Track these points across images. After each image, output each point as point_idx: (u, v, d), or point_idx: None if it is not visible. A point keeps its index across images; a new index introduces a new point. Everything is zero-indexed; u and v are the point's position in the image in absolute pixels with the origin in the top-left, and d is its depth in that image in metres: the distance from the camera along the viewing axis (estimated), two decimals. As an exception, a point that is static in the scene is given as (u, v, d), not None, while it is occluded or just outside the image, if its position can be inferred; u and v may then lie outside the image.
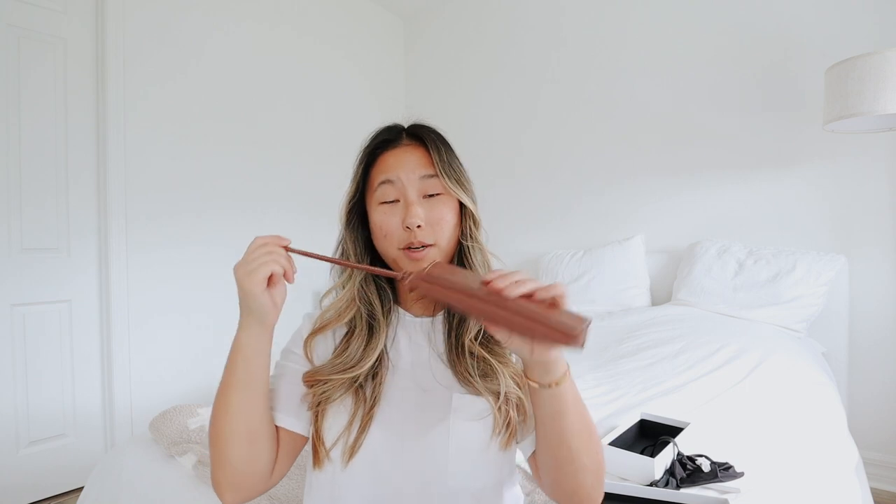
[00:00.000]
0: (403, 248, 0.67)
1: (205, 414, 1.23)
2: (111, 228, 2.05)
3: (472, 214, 0.70)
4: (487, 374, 0.66)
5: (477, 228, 0.72)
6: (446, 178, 0.68)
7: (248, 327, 0.60)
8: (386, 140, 0.71)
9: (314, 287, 2.79)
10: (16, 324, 1.87)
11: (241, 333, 0.61)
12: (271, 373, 0.71)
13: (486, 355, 0.67)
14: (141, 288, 2.15)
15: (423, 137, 0.70)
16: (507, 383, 0.65)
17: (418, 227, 0.65)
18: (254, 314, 0.59)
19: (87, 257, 2.04)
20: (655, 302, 2.32)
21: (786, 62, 2.11)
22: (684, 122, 2.37)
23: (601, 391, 1.41)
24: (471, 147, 2.85)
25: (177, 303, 2.27)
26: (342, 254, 0.73)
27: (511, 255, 2.88)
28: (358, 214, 0.73)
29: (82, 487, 1.19)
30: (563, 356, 0.58)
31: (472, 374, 0.65)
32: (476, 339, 0.68)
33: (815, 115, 2.00)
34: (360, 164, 0.72)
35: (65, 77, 1.97)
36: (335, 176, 2.87)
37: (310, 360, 0.69)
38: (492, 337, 0.70)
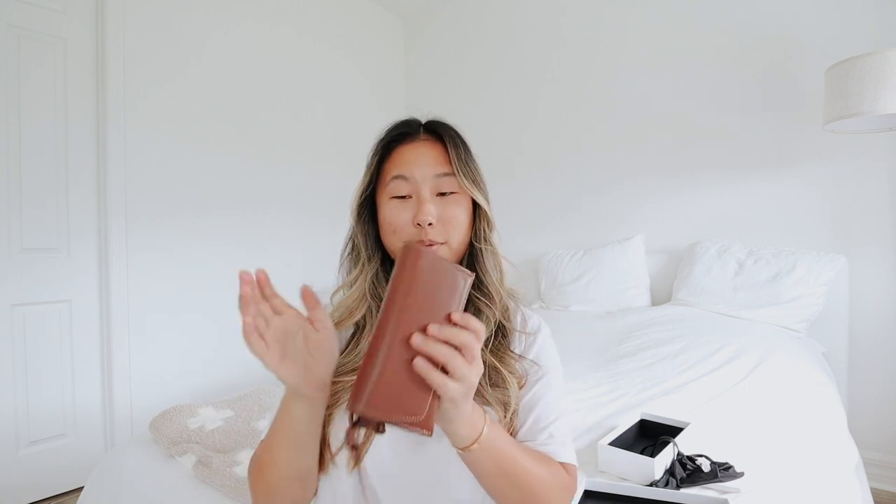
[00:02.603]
0: None
1: (204, 414, 1.23)
2: (111, 228, 2.05)
3: (487, 216, 0.68)
4: (498, 384, 0.64)
5: (490, 230, 0.70)
6: (463, 177, 0.65)
7: (290, 400, 0.56)
8: (403, 133, 0.69)
9: (316, 287, 2.77)
10: (16, 324, 1.87)
11: (289, 405, 0.56)
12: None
13: (497, 364, 0.65)
14: (141, 288, 2.15)
15: (442, 134, 0.68)
16: (516, 394, 0.64)
17: (430, 224, 0.63)
18: (287, 388, 0.55)
19: (87, 257, 2.04)
20: (655, 302, 2.32)
21: (786, 62, 2.11)
22: (684, 122, 2.37)
23: (601, 391, 1.41)
24: (471, 147, 2.86)
25: (177, 303, 2.27)
26: (352, 248, 0.71)
27: (511, 255, 2.85)
28: (369, 208, 0.71)
29: (82, 487, 1.19)
30: (476, 423, 0.52)
31: (483, 383, 0.62)
32: (487, 347, 0.66)
33: (815, 115, 2.00)
34: (375, 156, 0.69)
35: (65, 77, 1.97)
36: (335, 176, 2.88)
37: None
38: (502, 345, 0.68)
